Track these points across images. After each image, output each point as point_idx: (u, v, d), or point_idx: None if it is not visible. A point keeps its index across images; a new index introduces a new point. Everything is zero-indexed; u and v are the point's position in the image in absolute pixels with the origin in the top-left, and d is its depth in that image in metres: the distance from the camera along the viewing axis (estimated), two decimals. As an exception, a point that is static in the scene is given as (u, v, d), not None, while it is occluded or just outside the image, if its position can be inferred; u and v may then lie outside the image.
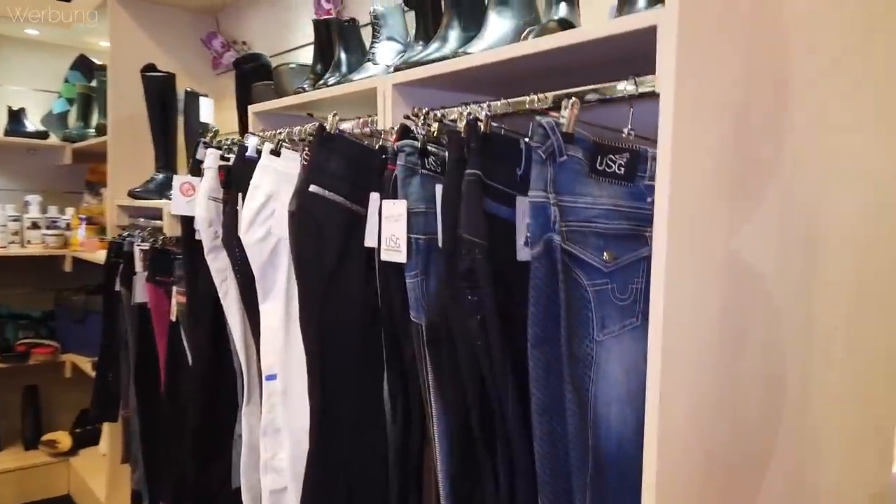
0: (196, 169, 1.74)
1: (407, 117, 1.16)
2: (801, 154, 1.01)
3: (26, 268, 3.57)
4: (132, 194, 2.66)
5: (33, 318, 3.47)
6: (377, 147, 1.28)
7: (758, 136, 0.94)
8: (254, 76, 2.30)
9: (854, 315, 1.15)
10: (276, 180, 1.52)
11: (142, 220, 2.69)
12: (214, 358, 1.80)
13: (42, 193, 3.59)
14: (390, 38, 1.67)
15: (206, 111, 2.74)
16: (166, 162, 2.79)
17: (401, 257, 1.07)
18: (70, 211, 3.52)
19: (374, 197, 1.21)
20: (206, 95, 2.74)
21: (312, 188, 1.27)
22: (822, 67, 1.03)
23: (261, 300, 1.55)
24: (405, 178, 1.08)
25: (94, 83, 3.58)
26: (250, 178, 1.55)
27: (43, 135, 3.41)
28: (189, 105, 2.69)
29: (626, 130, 0.94)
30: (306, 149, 1.31)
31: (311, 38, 2.43)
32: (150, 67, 2.77)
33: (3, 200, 3.51)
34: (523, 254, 1.00)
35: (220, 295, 1.67)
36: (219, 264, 1.66)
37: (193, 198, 1.74)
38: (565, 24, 1.07)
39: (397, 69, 1.37)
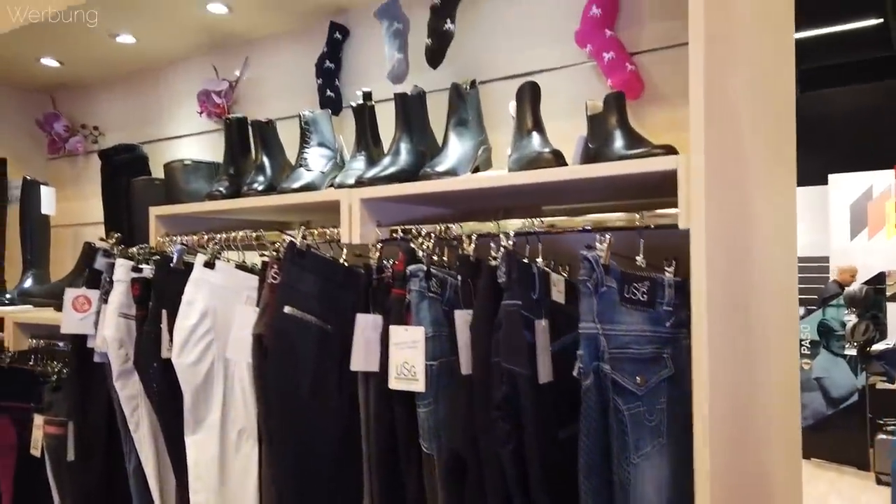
0: (94, 280, 1.52)
1: (407, 239, 1.15)
2: (753, 263, 1.17)
3: None
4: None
5: None
6: (359, 265, 1.24)
7: (739, 254, 1.08)
8: (127, 169, 2.09)
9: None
10: (211, 295, 1.39)
11: (-40, 330, 2.24)
12: (108, 499, 1.54)
13: None
14: (321, 145, 1.64)
15: (48, 202, 2.40)
16: (-8, 260, 2.38)
17: (418, 386, 1.03)
18: None
19: (364, 319, 1.16)
20: (45, 184, 2.41)
21: (287, 309, 1.18)
22: (754, 177, 1.21)
23: (190, 431, 1.38)
24: (418, 303, 1.06)
25: None
26: (175, 292, 1.40)
27: None
28: (28, 195, 2.34)
29: (639, 259, 1.03)
30: (274, 266, 1.22)
31: (186, 131, 2.29)
32: (-24, 151, 2.39)
33: None
34: (544, 376, 1.03)
35: (131, 426, 1.44)
36: (129, 391, 1.44)
37: (89, 314, 1.51)
38: (559, 157, 1.15)
39: (360, 183, 1.35)
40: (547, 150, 1.17)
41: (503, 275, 0.98)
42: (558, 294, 1.11)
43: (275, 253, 1.26)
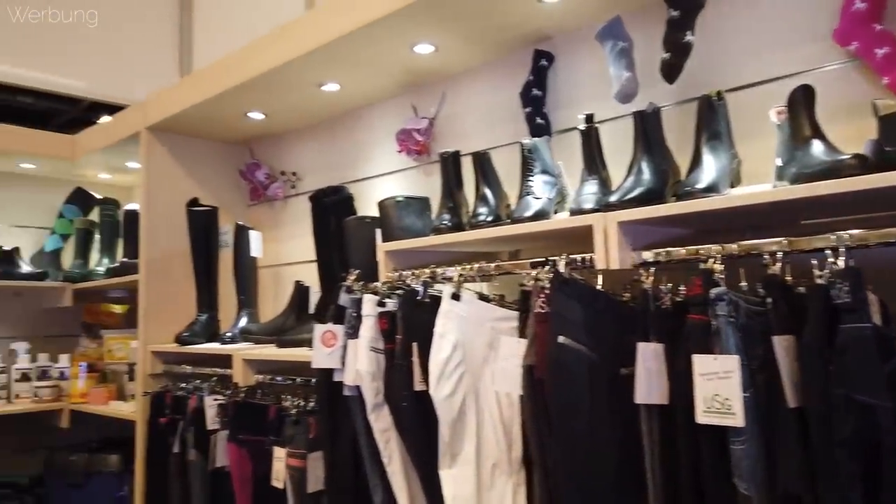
0: (339, 316, 1.56)
1: (703, 261, 1.08)
2: None
3: (11, 427, 3.11)
4: (180, 340, 2.39)
5: (19, 486, 2.98)
6: (631, 293, 1.19)
7: None
8: (335, 209, 2.18)
9: None
10: (459, 327, 1.39)
11: (187, 367, 2.41)
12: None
13: (28, 340, 3.21)
14: (544, 172, 1.62)
15: (256, 245, 2.56)
16: (209, 302, 2.56)
17: (735, 420, 0.95)
18: (64, 358, 3.15)
19: (645, 348, 1.10)
20: (253, 228, 2.58)
21: (562, 339, 1.14)
22: None
23: (446, 465, 1.36)
24: (726, 329, 0.98)
25: (93, 217, 3.35)
26: (422, 324, 1.41)
27: (41, 276, 3.08)
28: (240, 239, 2.51)
29: None
30: (540, 295, 1.19)
31: (382, 170, 2.37)
32: (194, 202, 2.60)
33: (-15, 350, 3.10)
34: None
35: (384, 460, 1.45)
36: (382, 424, 1.46)
37: (336, 348, 1.55)
38: (864, 162, 1.04)
39: (609, 206, 1.30)
40: (846, 156, 1.06)
41: (846, 295, 0.88)
42: (876, 315, 0.99)
43: (534, 282, 1.23)
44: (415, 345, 1.41)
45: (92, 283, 3.04)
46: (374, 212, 1.97)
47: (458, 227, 1.69)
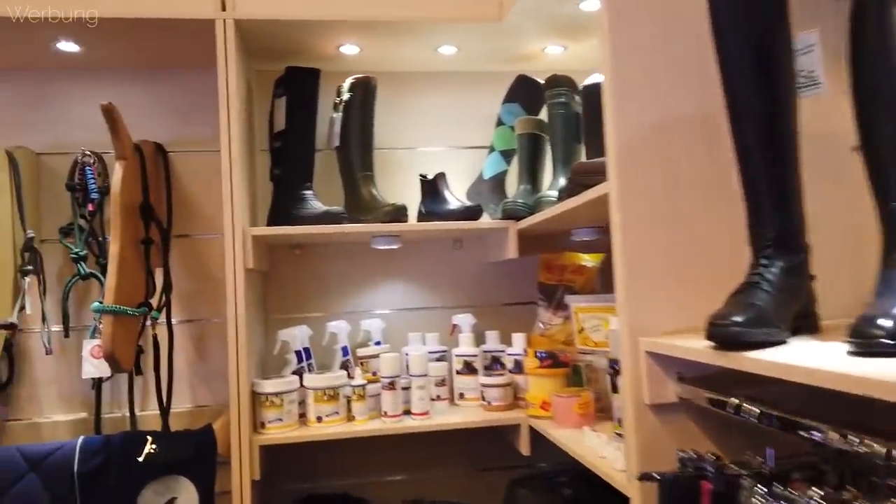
0: None
1: None
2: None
3: (457, 438, 2.14)
4: (716, 333, 0.86)
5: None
6: None
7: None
8: None
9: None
10: None
11: (746, 404, 0.87)
12: None
13: (472, 310, 2.18)
14: None
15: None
16: (784, 230, 0.96)
17: None
18: (519, 339, 2.00)
19: None
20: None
21: None
22: None
23: None
24: None
25: (542, 116, 2.11)
26: None
27: (471, 212, 1.98)
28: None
29: None
30: None
31: None
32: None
33: (420, 325, 2.18)
34: None
35: None
36: None
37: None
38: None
39: None
40: None
41: None
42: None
43: None
44: None
45: (536, 218, 1.78)
46: None
47: None
